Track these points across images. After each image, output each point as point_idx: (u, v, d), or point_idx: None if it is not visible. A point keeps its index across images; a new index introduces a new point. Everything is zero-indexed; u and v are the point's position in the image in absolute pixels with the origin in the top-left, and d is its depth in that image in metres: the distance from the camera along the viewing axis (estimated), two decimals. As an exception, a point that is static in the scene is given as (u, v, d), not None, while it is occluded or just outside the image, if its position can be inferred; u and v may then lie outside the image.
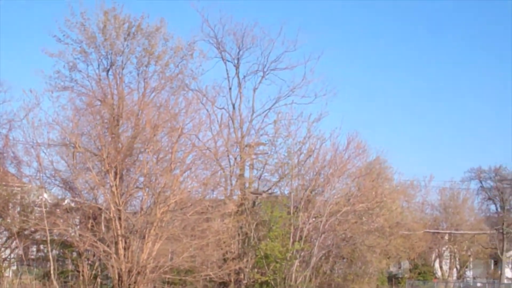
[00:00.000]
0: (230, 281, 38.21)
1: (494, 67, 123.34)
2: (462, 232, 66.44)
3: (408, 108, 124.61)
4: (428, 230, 61.91)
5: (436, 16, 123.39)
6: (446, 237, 68.22)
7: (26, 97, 34.95)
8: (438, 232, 65.87)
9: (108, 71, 37.86)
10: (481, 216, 69.24)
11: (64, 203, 36.33)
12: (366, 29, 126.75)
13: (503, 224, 63.04)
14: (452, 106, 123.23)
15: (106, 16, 36.55)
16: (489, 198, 66.72)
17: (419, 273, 61.61)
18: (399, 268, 64.93)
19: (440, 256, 68.25)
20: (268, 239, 38.95)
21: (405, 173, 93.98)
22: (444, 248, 68.48)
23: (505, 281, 63.92)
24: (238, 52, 43.63)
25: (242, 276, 39.22)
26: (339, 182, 43.45)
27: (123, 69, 37.70)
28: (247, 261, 38.86)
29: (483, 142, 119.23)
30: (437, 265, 67.77)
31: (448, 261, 69.05)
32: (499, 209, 66.09)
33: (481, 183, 65.88)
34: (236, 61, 43.83)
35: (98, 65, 37.87)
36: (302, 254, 39.80)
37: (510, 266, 70.05)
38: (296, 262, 38.93)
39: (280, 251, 38.40)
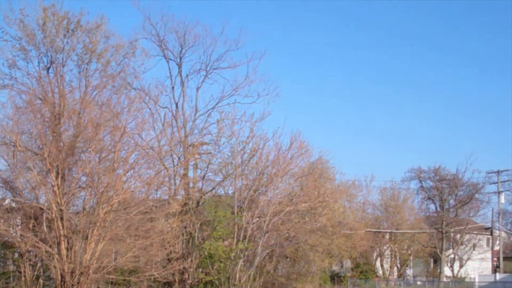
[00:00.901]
0: (175, 281, 38.06)
1: (432, 62, 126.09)
2: (402, 231, 67.61)
3: (349, 108, 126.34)
4: (369, 230, 62.82)
5: (368, 11, 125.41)
6: (387, 236, 69.30)
7: (-37, 95, 34.28)
8: (379, 231, 66.90)
9: (48, 68, 37.41)
10: (421, 215, 70.42)
11: (4, 203, 35.63)
12: (308, 27, 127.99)
13: (442, 223, 64.21)
14: (393, 106, 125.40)
15: (45, 13, 36.16)
16: (429, 198, 67.85)
17: (361, 272, 62.38)
18: (341, 267, 65.66)
19: (381, 255, 69.28)
20: (212, 239, 38.90)
21: (346, 173, 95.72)
22: (385, 247, 69.55)
23: (444, 279, 65.06)
24: (181, 51, 43.60)
25: (186, 276, 39.10)
26: (282, 182, 43.65)
27: (63, 66, 37.36)
28: (192, 261, 38.77)
29: (423, 142, 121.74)
30: (378, 264, 68.75)
31: (389, 259, 70.12)
32: (438, 209, 67.25)
33: (421, 183, 66.99)
34: (178, 60, 43.76)
35: (38, 63, 37.48)
36: (246, 253, 39.82)
37: (449, 264, 71.45)
38: (240, 262, 38.96)
39: (224, 250, 38.42)
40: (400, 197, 70.55)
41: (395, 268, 70.60)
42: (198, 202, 41.84)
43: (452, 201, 66.45)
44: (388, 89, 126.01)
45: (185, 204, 40.12)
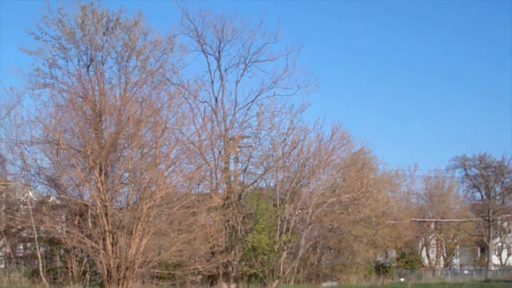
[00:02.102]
0: (219, 274, 38.22)
1: (478, 54, 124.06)
2: (448, 220, 66.74)
3: (392, 97, 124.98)
4: (414, 219, 62.20)
5: (416, 6, 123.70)
6: (432, 226, 68.47)
7: (7, 95, 34.93)
8: (424, 221, 66.15)
9: (88, 67, 37.83)
10: (466, 204, 69.40)
11: (49, 200, 36.30)
12: (348, 19, 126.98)
13: (488, 211, 63.30)
14: (437, 95, 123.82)
15: (84, 11, 36.49)
16: (474, 186, 66.81)
17: (406, 262, 61.76)
18: (386, 257, 65.06)
19: (426, 244, 68.53)
20: (255, 232, 38.94)
21: (390, 163, 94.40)
22: (430, 237, 68.76)
23: (492, 267, 64.19)
24: (219, 45, 43.56)
25: (230, 269, 39.24)
26: (324, 173, 43.49)
27: (103, 64, 37.73)
28: (235, 254, 38.87)
29: (467, 130, 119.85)
30: (424, 253, 68.02)
31: (435, 249, 69.35)
32: (484, 197, 66.28)
33: (465, 171, 65.93)
34: (217, 54, 43.76)
35: (78, 61, 37.88)
36: (290, 245, 39.85)
37: (496, 253, 70.43)
38: (284, 254, 38.99)
39: (267, 243, 38.43)
40: (445, 186, 69.63)
41: (441, 258, 69.79)
42: (240, 196, 41.93)
43: (498, 189, 65.38)
44: (432, 77, 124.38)
45: (227, 197, 40.23)
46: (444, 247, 69.61)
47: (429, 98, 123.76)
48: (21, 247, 37.40)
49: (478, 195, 68.55)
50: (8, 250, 35.10)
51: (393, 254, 64.91)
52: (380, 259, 63.28)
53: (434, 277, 55.27)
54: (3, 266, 35.93)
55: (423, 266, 63.44)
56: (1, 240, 34.98)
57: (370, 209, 47.06)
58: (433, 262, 67.86)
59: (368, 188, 45.10)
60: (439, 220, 66.71)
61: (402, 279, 50.72)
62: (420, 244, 67.97)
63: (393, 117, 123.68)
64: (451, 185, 69.76)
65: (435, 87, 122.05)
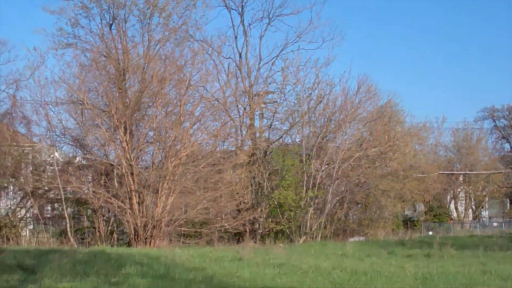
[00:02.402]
0: (245, 231, 38.23)
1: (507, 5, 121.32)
2: (476, 172, 66.11)
3: (418, 49, 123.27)
4: (442, 172, 61.64)
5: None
6: (461, 178, 67.86)
7: (30, 56, 34.97)
8: (452, 174, 65.57)
9: (111, 25, 37.58)
10: (495, 155, 68.80)
11: (75, 161, 36.38)
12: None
13: (517, 162, 62.77)
14: (463, 45, 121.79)
15: (105, -31, 36.07)
16: (503, 137, 66.23)
17: (434, 216, 61.47)
18: (414, 211, 64.78)
19: (455, 197, 68.05)
20: (281, 188, 38.79)
21: (417, 116, 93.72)
22: (459, 189, 68.19)
23: (522, 219, 63.73)
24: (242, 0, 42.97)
25: (257, 226, 39.25)
26: (350, 128, 43.05)
27: (126, 22, 37.42)
28: (261, 211, 38.82)
29: (495, 80, 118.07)
30: (452, 206, 67.60)
31: (464, 202, 68.85)
32: (513, 148, 65.69)
33: (494, 122, 65.40)
34: (240, 9, 43.26)
35: (101, 20, 37.63)
36: (316, 201, 39.69)
37: (526, 204, 69.93)
38: (311, 210, 38.85)
39: (294, 199, 38.28)
40: (474, 138, 68.86)
41: (470, 210, 69.28)
42: (265, 152, 41.73)
43: (527, 139, 64.61)
44: (459, 27, 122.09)
45: (253, 154, 40.05)
46: (472, 199, 69.06)
47: (456, 48, 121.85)
48: (49, 208, 37.63)
49: (507, 146, 68.05)
50: (35, 211, 35.34)
51: (421, 207, 64.58)
52: (408, 213, 63.04)
53: (463, 230, 54.93)
54: (31, 227, 36.25)
55: (451, 219, 63.09)
56: (29, 201, 35.21)
57: (397, 163, 46.57)
58: (462, 215, 67.40)
59: (395, 141, 44.57)
60: (468, 172, 66.08)
61: (430, 233, 50.47)
62: (448, 197, 67.48)
63: (420, 69, 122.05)
64: (480, 137, 69.04)
65: (462, 36, 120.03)
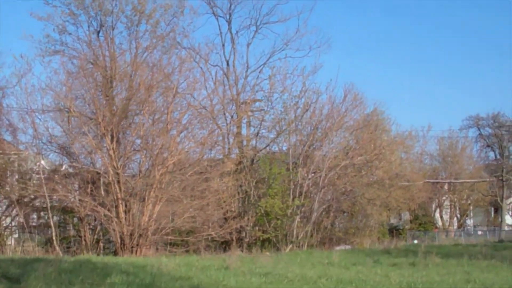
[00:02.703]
0: (232, 240, 38.25)
1: (491, 12, 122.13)
2: (461, 181, 66.44)
3: (403, 58, 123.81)
4: (427, 180, 61.97)
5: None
6: (446, 187, 68.23)
7: (17, 63, 34.76)
8: (437, 182, 65.91)
9: (98, 32, 37.57)
10: (480, 164, 69.01)
11: (62, 169, 36.25)
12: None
13: (502, 171, 62.96)
14: (449, 54, 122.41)
15: (92, -24, 36.07)
16: (488, 145, 66.39)
17: (419, 224, 61.68)
18: (400, 219, 65.03)
19: (440, 206, 68.31)
20: (268, 197, 38.85)
21: (402, 124, 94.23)
22: (444, 198, 68.51)
23: (506, 227, 64.00)
24: (230, 7, 43.24)
25: (243, 234, 39.28)
26: (337, 136, 43.19)
27: (113, 29, 37.45)
28: (248, 219, 38.86)
29: (480, 89, 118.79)
30: (437, 215, 67.82)
31: (449, 210, 69.16)
32: (498, 156, 65.88)
33: (479, 130, 65.47)
34: (228, 16, 43.40)
35: (88, 27, 37.64)
36: (303, 209, 39.77)
37: (510, 213, 70.14)
38: (297, 218, 38.92)
39: (281, 207, 38.34)
40: (459, 146, 69.18)
41: (455, 219, 69.62)
42: (252, 160, 41.82)
43: (512, 148, 64.90)
44: (444, 37, 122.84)
45: (240, 162, 40.13)
46: (457, 208, 69.40)
47: (441, 57, 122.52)
48: (34, 216, 37.47)
49: (491, 154, 68.24)
50: (21, 220, 35.15)
51: (406, 216, 64.86)
52: (394, 221, 63.28)
53: (448, 239, 55.14)
54: (16, 235, 36.07)
55: (436, 227, 63.34)
56: (14, 210, 35.00)
57: (383, 171, 46.76)
58: (447, 224, 67.72)
59: (381, 150, 44.78)
60: (453, 181, 66.45)
61: (415, 241, 50.64)
62: (433, 206, 67.78)
63: (406, 78, 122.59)
64: (465, 145, 69.34)
65: (447, 45, 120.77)
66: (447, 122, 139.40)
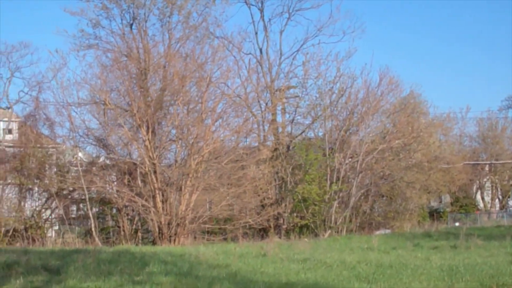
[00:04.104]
0: (270, 226, 38.21)
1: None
2: (502, 162, 65.36)
3: (440, 39, 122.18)
4: (467, 162, 61.08)
5: None
6: (487, 168, 67.23)
7: (53, 58, 35.18)
8: (478, 164, 64.95)
9: (131, 25, 37.74)
10: (521, 144, 67.92)
11: (99, 161, 36.59)
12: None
13: (544, 150, 61.95)
14: (486, 33, 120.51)
15: (124, -31, 36.19)
16: (528, 125, 65.31)
17: (460, 206, 60.98)
18: (440, 202, 64.28)
19: (481, 187, 67.42)
20: (305, 183, 38.65)
21: (440, 106, 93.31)
22: (485, 179, 67.55)
23: (549, 207, 63.02)
24: (262, -5, 42.93)
25: (281, 221, 39.19)
26: (373, 120, 42.78)
27: (146, 22, 37.57)
28: (285, 205, 38.76)
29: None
30: (478, 197, 67.00)
31: (490, 192, 68.20)
32: (539, 135, 64.80)
33: (519, 110, 64.44)
34: (260, 5, 43.25)
35: (121, 20, 37.84)
36: (341, 195, 39.48)
37: (553, 192, 68.95)
38: (335, 204, 38.65)
39: (318, 193, 38.13)
40: (498, 127, 68.14)
41: (497, 200, 68.64)
42: (288, 147, 41.65)
43: (553, 127, 63.68)
44: (481, 16, 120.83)
45: (276, 149, 39.99)
46: (499, 189, 68.34)
47: (480, 36, 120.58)
48: (74, 208, 37.93)
49: (533, 134, 66.99)
50: (61, 212, 35.60)
51: (447, 198, 64.08)
52: (434, 204, 62.59)
53: (490, 220, 54.37)
54: (56, 227, 36.54)
55: (478, 209, 62.52)
56: (54, 202, 35.46)
57: (422, 154, 46.29)
58: (488, 205, 66.76)
59: (419, 132, 44.26)
60: (493, 162, 65.40)
61: (457, 224, 50.08)
62: (474, 188, 66.88)
63: (442, 59, 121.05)
64: (505, 126, 68.32)
65: (485, 23, 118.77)
66: (485, 103, 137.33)
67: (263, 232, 37.95)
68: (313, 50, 42.48)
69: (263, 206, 37.86)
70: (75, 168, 34.86)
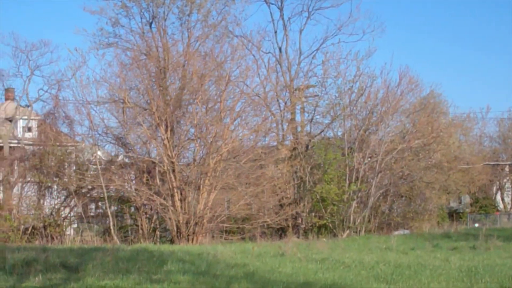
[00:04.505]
0: (288, 226, 38.10)
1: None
2: (523, 162, 64.90)
3: (460, 38, 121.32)
4: (487, 163, 60.56)
5: None
6: (507, 169, 66.63)
7: (72, 56, 35.38)
8: (498, 164, 64.44)
9: (151, 24, 37.86)
10: (542, 144, 67.24)
11: (118, 159, 36.67)
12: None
13: None
14: (506, 33, 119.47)
15: (144, -32, 36.28)
16: (550, 126, 64.63)
17: (480, 207, 60.48)
18: (460, 203, 63.82)
19: (501, 188, 66.84)
20: (323, 182, 38.51)
21: (460, 106, 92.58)
22: (505, 180, 66.97)
23: None
24: (282, -7, 42.84)
25: (299, 220, 39.08)
26: (393, 120, 42.53)
27: (165, 20, 37.67)
28: (304, 205, 38.65)
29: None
30: (498, 197, 66.44)
31: (510, 193, 67.63)
32: (560, 136, 64.09)
33: (540, 110, 63.77)
34: (279, 3, 43.14)
35: (141, 19, 37.99)
36: (359, 195, 39.31)
37: None
38: (354, 204, 38.49)
39: (337, 193, 37.96)
40: (519, 128, 67.58)
41: (517, 201, 68.13)
42: (307, 146, 41.53)
43: None
44: (501, 15, 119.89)
45: (294, 148, 39.89)
46: (519, 190, 67.74)
47: (499, 37, 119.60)
48: (92, 206, 38.06)
49: (555, 135, 66.32)
50: (79, 210, 35.77)
51: (466, 199, 63.58)
52: (453, 205, 62.14)
53: (510, 222, 53.88)
54: (75, 226, 36.69)
55: (498, 210, 61.97)
56: (73, 200, 35.62)
57: (442, 154, 45.99)
58: (509, 206, 66.17)
59: (438, 132, 43.98)
60: (514, 162, 64.89)
61: (476, 225, 49.65)
62: (494, 188, 66.28)
63: (463, 59, 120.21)
64: (526, 126, 67.59)
65: (504, 23, 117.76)
66: (506, 103, 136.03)
67: (281, 232, 37.87)
68: (332, 49, 42.60)
69: (281, 205, 37.78)
70: (94, 167, 35.01)
